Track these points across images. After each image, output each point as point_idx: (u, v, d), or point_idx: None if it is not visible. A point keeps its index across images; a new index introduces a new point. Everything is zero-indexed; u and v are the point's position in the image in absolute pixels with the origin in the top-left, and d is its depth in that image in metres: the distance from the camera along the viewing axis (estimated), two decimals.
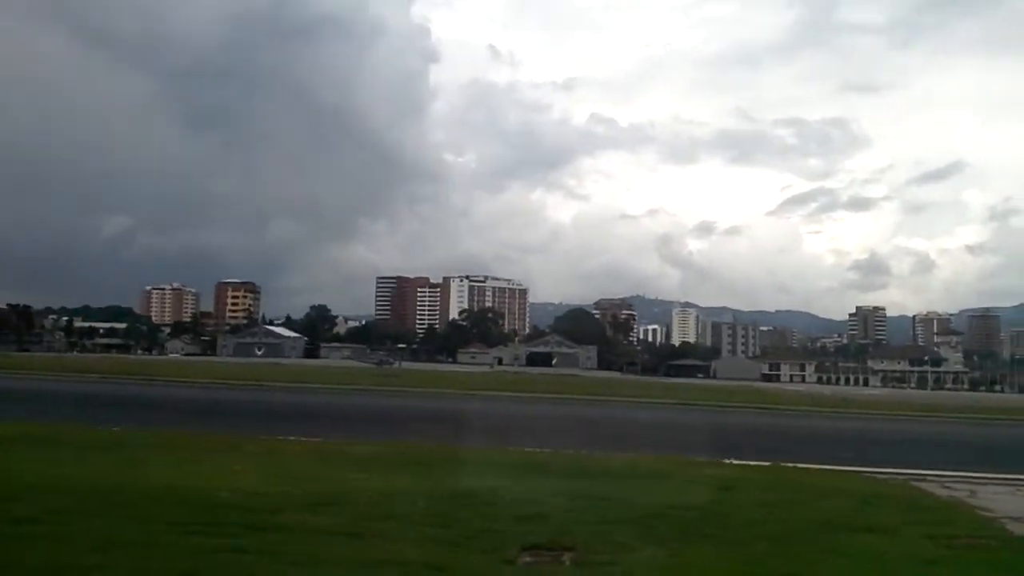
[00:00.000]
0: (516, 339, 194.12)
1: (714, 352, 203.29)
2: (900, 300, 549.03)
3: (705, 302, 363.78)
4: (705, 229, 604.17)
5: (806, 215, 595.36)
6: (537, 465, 15.67)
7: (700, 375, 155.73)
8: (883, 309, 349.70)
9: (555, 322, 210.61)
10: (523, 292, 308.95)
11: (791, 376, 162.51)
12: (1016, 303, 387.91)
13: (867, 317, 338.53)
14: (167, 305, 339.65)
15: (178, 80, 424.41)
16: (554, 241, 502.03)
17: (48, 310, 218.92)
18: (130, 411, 31.88)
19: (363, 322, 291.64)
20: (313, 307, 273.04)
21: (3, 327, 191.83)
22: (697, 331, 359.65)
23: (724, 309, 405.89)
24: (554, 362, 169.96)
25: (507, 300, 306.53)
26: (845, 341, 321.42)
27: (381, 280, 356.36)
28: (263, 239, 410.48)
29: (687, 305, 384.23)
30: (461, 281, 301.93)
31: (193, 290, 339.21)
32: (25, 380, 52.85)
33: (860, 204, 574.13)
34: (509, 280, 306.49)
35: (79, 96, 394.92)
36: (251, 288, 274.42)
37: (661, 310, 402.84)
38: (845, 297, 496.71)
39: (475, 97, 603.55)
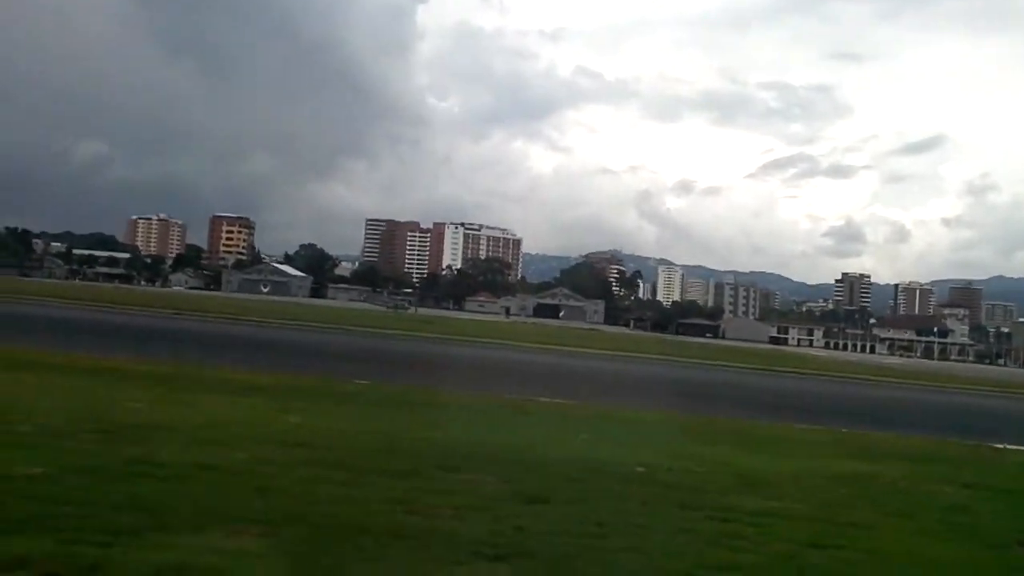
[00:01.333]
0: (522, 289, 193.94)
1: (718, 312, 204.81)
2: (872, 268, 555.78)
3: (680, 260, 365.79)
4: (684, 188, 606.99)
5: (785, 179, 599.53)
6: (870, 448, 15.83)
7: (708, 335, 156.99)
8: (868, 276, 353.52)
9: (561, 275, 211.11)
10: (517, 242, 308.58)
11: (798, 340, 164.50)
12: (988, 276, 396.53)
13: (853, 284, 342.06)
14: (153, 235, 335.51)
15: (156, 3, 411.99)
16: (534, 191, 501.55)
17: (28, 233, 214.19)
18: (295, 357, 31.81)
19: (355, 263, 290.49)
20: (303, 246, 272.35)
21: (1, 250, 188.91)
22: (681, 289, 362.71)
23: (699, 267, 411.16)
24: (561, 314, 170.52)
25: (501, 249, 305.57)
26: (831, 306, 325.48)
27: (371, 222, 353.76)
28: (240, 172, 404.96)
29: (663, 262, 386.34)
30: (456, 228, 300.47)
31: (180, 221, 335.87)
32: (86, 311, 51.88)
33: (840, 171, 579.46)
34: (504, 230, 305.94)
35: (51, 9, 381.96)
36: (246, 223, 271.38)
37: (638, 265, 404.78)
38: (819, 262, 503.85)
39: (461, 41, 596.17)
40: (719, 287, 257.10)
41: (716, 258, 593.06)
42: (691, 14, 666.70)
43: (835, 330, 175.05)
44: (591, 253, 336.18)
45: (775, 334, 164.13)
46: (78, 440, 9.35)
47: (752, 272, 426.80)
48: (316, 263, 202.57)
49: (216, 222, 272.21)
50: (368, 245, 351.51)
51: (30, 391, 13.70)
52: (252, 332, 47.37)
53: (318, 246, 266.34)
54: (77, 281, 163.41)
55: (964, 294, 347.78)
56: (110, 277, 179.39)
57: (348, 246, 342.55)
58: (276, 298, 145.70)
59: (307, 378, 20.91)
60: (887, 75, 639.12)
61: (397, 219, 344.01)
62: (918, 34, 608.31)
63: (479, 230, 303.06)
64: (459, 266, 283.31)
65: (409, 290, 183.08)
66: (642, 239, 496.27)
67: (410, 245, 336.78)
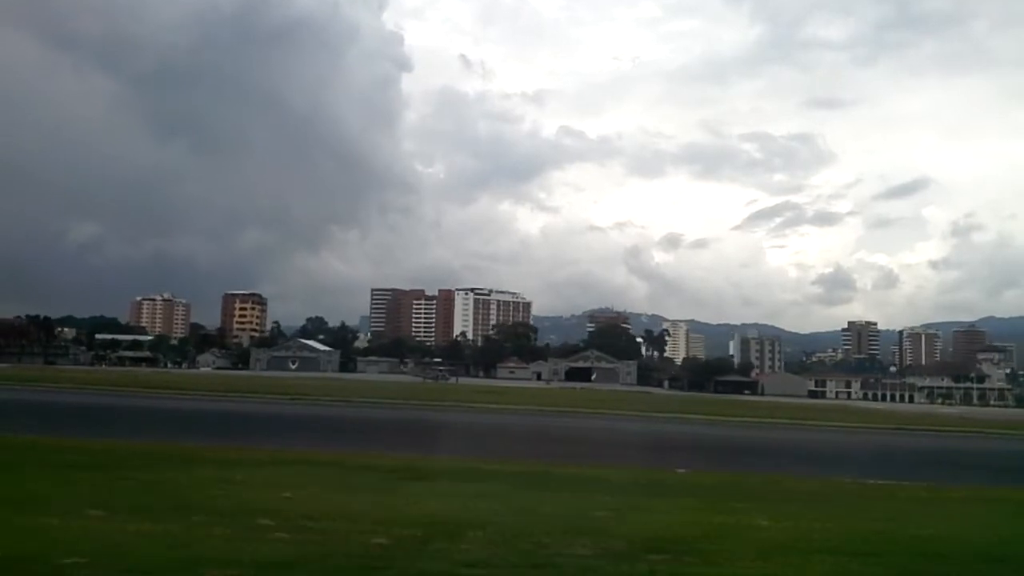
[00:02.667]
0: (548, 353, 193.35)
1: (746, 367, 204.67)
2: (862, 314, 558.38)
3: (672, 314, 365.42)
4: (672, 242, 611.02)
5: (771, 229, 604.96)
6: None
7: (747, 391, 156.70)
8: (875, 324, 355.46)
9: (589, 337, 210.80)
10: (527, 305, 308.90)
11: (836, 393, 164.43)
12: (978, 317, 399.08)
13: (860, 332, 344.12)
14: (158, 315, 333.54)
15: (145, 84, 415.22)
16: (523, 252, 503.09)
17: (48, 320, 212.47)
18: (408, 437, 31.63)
19: (365, 333, 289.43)
20: (310, 319, 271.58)
21: (22, 338, 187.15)
22: (686, 345, 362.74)
23: (692, 321, 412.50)
24: (593, 377, 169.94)
25: (511, 313, 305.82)
26: (840, 356, 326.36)
27: (376, 292, 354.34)
28: (235, 247, 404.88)
29: (656, 318, 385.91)
30: (466, 294, 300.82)
31: (184, 301, 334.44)
32: (179, 400, 51.44)
33: (825, 219, 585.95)
34: (514, 294, 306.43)
35: (43, 99, 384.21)
36: (258, 299, 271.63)
37: (630, 323, 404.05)
38: (810, 310, 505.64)
39: (446, 106, 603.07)
40: (745, 342, 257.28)
41: (708, 311, 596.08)
42: (669, 68, 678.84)
43: (871, 381, 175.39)
44: (594, 312, 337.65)
45: (813, 387, 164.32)
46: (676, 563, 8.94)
47: (743, 324, 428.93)
48: (338, 337, 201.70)
49: (228, 299, 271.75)
50: (375, 315, 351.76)
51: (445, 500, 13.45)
52: (402, 415, 47.05)
53: (324, 319, 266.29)
54: (104, 366, 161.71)
55: (968, 336, 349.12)
56: (136, 361, 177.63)
57: (347, 315, 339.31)
58: (308, 374, 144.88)
59: (641, 470, 20.87)
60: (867, 121, 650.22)
61: (396, 287, 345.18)
62: (896, 79, 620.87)
63: (489, 295, 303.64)
64: (471, 332, 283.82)
65: (439, 360, 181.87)
66: (633, 295, 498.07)
67: (416, 313, 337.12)
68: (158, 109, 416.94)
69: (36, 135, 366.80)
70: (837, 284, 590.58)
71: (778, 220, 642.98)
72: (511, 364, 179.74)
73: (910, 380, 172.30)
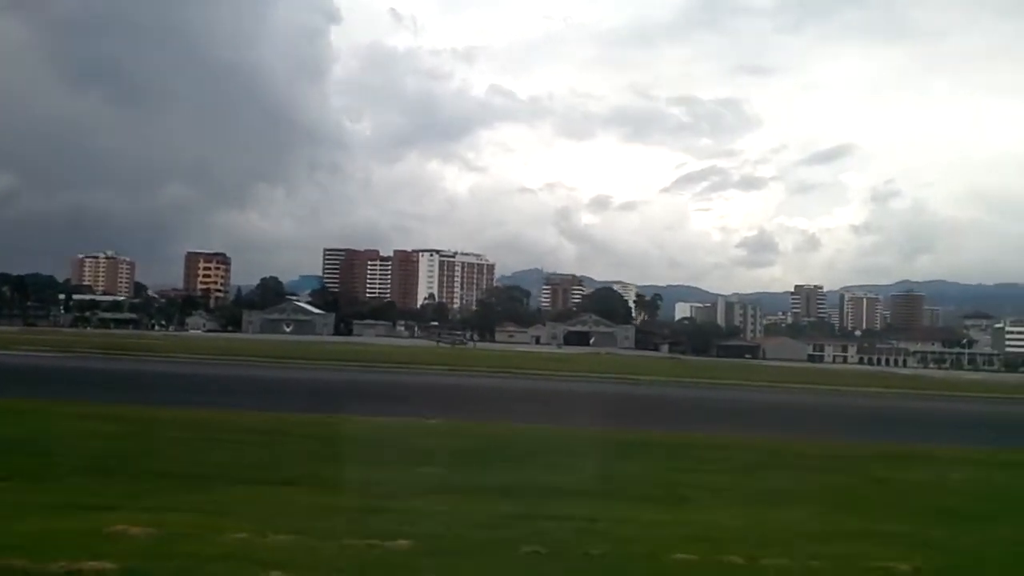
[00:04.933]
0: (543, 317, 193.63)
1: (734, 332, 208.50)
2: (782, 276, 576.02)
3: (599, 276, 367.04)
4: (601, 204, 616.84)
5: (698, 193, 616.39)
6: None
7: (748, 356, 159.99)
8: (821, 287, 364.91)
9: (583, 300, 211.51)
10: (491, 267, 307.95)
11: (834, 357, 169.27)
12: (893, 281, 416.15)
13: (809, 295, 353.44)
14: (101, 273, 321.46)
15: (61, 29, 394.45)
16: (451, 212, 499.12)
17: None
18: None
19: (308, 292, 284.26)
20: (264, 279, 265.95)
21: None
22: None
23: (617, 283, 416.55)
24: (592, 341, 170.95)
25: (475, 275, 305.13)
26: (790, 320, 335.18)
27: (329, 251, 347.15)
28: (156, 202, 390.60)
29: (584, 278, 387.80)
30: (431, 255, 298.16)
31: (128, 259, 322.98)
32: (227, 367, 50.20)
33: (750, 183, 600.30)
34: (478, 255, 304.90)
35: None
36: (222, 259, 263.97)
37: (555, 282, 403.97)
38: (733, 273, 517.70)
39: (375, 61, 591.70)
40: (729, 307, 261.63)
41: (634, 273, 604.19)
42: (599, 31, 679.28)
43: (865, 346, 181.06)
44: (551, 275, 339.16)
45: (811, 352, 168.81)
46: None
47: (668, 286, 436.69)
48: (335, 299, 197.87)
49: (192, 258, 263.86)
50: (328, 274, 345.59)
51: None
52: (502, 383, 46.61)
53: (278, 279, 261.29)
54: (87, 329, 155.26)
55: (908, 301, 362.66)
56: (120, 323, 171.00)
57: (278, 273, 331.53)
58: (304, 338, 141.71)
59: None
60: (792, 87, 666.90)
61: (349, 247, 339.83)
62: (820, 46, 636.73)
63: (454, 257, 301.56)
64: (436, 294, 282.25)
65: (436, 323, 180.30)
66: (563, 256, 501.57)
67: (371, 273, 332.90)
68: (73, 56, 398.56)
69: None
70: (760, 247, 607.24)
71: (704, 184, 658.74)
72: (510, 328, 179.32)
73: (901, 345, 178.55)
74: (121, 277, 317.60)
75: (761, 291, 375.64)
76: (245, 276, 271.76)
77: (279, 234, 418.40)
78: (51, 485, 12.68)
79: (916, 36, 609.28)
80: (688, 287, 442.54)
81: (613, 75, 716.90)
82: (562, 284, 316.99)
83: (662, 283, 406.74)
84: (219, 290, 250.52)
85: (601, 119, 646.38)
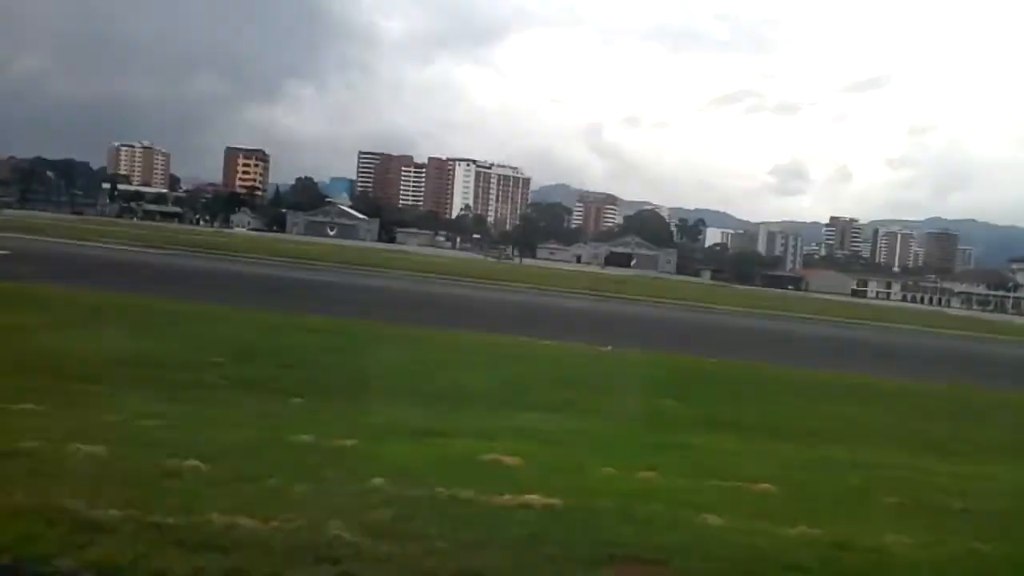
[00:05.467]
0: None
1: (776, 262, 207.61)
2: (811, 207, 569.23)
3: (627, 195, 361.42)
4: (633, 121, 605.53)
5: (733, 115, 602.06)
6: None
7: (790, 287, 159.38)
8: (857, 220, 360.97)
9: (626, 221, 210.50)
10: (527, 181, 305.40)
11: (877, 293, 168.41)
12: (924, 217, 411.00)
13: (844, 228, 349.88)
14: (136, 163, 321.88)
15: None
16: (480, 120, 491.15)
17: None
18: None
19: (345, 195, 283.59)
20: (299, 179, 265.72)
21: (39, 184, 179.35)
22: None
23: (647, 203, 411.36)
24: (633, 263, 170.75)
25: (510, 188, 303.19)
26: (823, 252, 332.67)
27: (364, 155, 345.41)
28: (185, 93, 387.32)
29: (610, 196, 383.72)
30: (467, 166, 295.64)
31: (163, 149, 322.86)
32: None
33: (786, 109, 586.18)
34: (514, 168, 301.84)
35: None
36: (261, 156, 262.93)
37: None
38: (762, 199, 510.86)
39: None
40: (771, 236, 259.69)
41: (662, 194, 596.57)
42: None
43: (909, 284, 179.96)
44: (584, 193, 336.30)
45: (855, 287, 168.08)
46: None
47: (697, 208, 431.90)
48: (376, 204, 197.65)
49: (231, 154, 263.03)
50: (362, 177, 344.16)
51: None
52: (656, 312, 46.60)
53: (312, 178, 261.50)
54: (135, 220, 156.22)
55: (942, 239, 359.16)
56: (166, 216, 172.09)
57: (314, 174, 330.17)
58: (349, 243, 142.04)
59: None
60: (835, 12, 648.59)
61: (384, 151, 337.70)
62: None
63: (490, 168, 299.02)
64: (472, 205, 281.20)
65: (478, 236, 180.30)
66: (591, 173, 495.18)
67: (404, 180, 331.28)
68: None
69: None
70: (792, 175, 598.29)
71: (739, 106, 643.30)
72: (551, 246, 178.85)
73: (946, 285, 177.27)
74: (156, 168, 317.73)
75: (789, 220, 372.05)
76: (276, 174, 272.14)
77: (308, 132, 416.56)
78: (351, 405, 12.66)
79: None
80: (717, 212, 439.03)
81: None
82: (595, 202, 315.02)
83: (691, 206, 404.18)
84: (257, 188, 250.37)
85: (639, 32, 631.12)
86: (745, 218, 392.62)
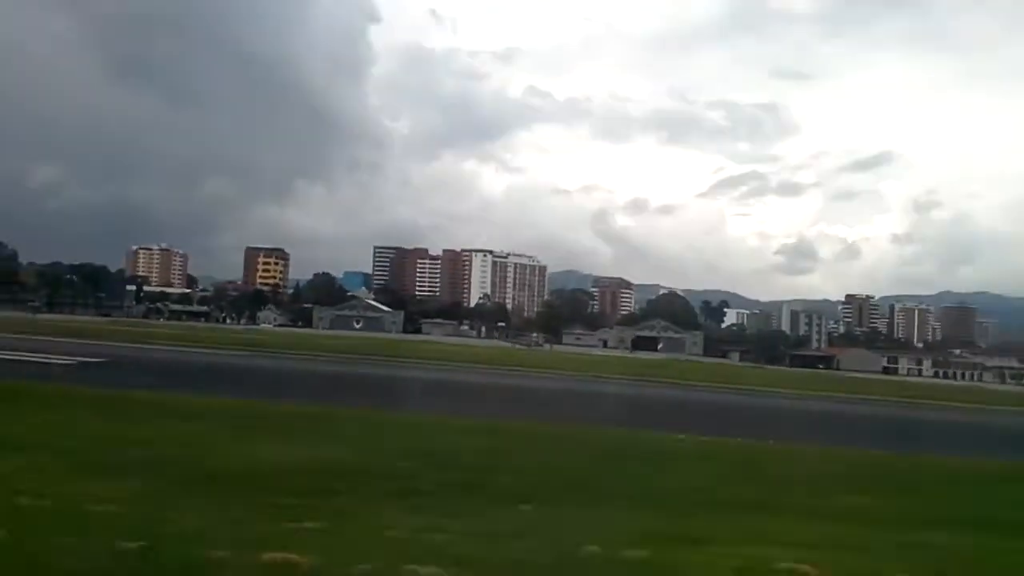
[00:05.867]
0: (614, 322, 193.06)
1: (803, 341, 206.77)
2: (820, 285, 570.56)
3: (636, 279, 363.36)
4: (637, 207, 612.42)
5: (736, 198, 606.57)
6: None
7: (821, 366, 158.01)
8: (873, 297, 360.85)
9: (648, 305, 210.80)
10: (543, 269, 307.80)
11: (908, 370, 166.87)
12: (935, 292, 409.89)
13: (861, 305, 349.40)
14: (154, 265, 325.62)
15: (105, 25, 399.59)
16: (486, 212, 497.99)
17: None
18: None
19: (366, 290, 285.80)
20: (317, 274, 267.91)
21: (66, 288, 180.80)
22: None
23: (655, 286, 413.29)
24: (660, 347, 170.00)
25: (527, 276, 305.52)
26: (842, 329, 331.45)
27: (379, 249, 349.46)
28: (197, 196, 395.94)
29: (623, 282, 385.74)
30: (484, 256, 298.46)
31: (180, 251, 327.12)
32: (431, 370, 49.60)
33: (789, 189, 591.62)
34: (530, 257, 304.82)
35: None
36: (281, 255, 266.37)
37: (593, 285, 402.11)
38: (771, 279, 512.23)
39: (413, 61, 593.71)
40: (794, 315, 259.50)
41: (671, 277, 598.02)
42: (638, 34, 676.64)
43: (940, 359, 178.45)
44: (598, 278, 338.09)
45: (885, 364, 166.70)
46: None
47: (705, 290, 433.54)
48: (396, 297, 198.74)
49: (251, 253, 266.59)
50: (378, 272, 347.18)
51: None
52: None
53: (331, 273, 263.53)
54: (161, 321, 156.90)
55: (959, 312, 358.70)
56: (193, 315, 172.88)
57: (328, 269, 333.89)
58: (379, 335, 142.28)
59: None
60: (832, 93, 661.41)
61: (398, 245, 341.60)
62: (861, 53, 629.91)
63: (506, 258, 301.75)
64: (487, 293, 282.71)
65: (503, 324, 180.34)
66: (597, 259, 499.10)
67: (420, 271, 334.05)
68: (119, 52, 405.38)
69: None
70: (799, 254, 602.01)
71: (743, 189, 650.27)
72: (576, 331, 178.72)
73: (975, 359, 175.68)
74: (174, 269, 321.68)
75: (799, 298, 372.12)
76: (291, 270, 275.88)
77: (319, 230, 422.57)
78: (582, 510, 12.30)
79: (958, 46, 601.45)
80: (726, 292, 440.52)
81: (652, 78, 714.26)
82: (610, 287, 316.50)
83: (699, 287, 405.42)
84: (279, 285, 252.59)
85: (639, 122, 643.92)
86: (755, 297, 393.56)
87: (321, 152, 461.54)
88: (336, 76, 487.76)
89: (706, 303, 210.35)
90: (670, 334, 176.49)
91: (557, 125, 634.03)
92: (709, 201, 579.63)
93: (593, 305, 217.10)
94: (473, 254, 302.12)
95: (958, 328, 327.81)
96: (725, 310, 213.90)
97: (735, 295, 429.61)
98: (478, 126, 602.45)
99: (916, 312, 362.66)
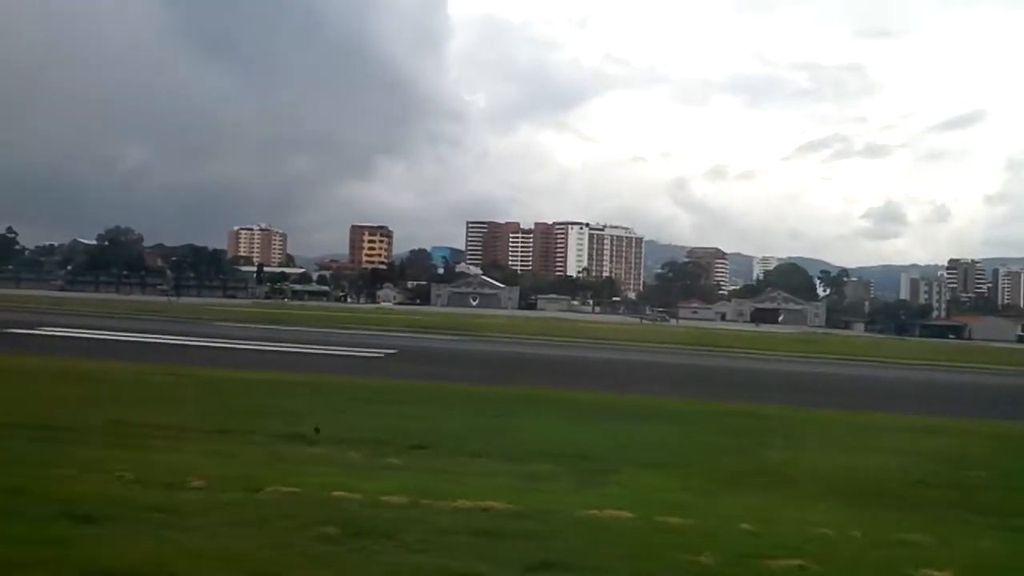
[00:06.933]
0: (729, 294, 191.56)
1: (926, 310, 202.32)
2: (908, 249, 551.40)
3: (722, 246, 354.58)
4: (718, 173, 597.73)
5: (820, 161, 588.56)
6: None
7: (951, 336, 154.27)
8: (979, 262, 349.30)
9: (765, 276, 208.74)
10: (639, 240, 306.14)
11: None
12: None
13: (967, 270, 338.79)
14: (255, 245, 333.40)
15: (186, 4, 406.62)
16: (563, 183, 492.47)
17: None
18: None
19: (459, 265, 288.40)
20: (413, 251, 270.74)
21: (191, 271, 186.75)
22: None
23: (737, 255, 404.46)
24: (780, 319, 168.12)
25: (624, 248, 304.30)
26: (948, 296, 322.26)
27: (472, 224, 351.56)
28: (280, 174, 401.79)
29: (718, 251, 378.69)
30: (581, 229, 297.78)
31: (280, 231, 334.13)
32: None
33: (875, 151, 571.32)
34: (627, 228, 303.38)
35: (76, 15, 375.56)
36: (385, 232, 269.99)
37: (674, 255, 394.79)
38: (857, 245, 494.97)
39: (490, 33, 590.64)
40: (914, 283, 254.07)
41: (752, 244, 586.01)
42: None
43: None
44: (693, 249, 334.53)
45: (1020, 332, 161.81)
46: None
47: (788, 257, 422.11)
48: (508, 274, 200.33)
49: (356, 231, 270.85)
50: (471, 247, 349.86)
51: None
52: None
53: (458, 249, 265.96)
54: (287, 301, 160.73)
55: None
56: (314, 295, 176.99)
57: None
58: (492, 311, 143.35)
59: None
60: (919, 51, 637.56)
61: (491, 220, 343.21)
62: (948, 8, 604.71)
63: (603, 230, 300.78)
64: (586, 267, 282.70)
65: (617, 298, 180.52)
66: (677, 227, 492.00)
67: (512, 246, 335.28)
68: (202, 29, 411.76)
69: (75, 60, 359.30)
70: (886, 218, 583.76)
71: (827, 152, 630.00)
72: (694, 304, 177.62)
73: None
74: (274, 248, 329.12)
75: (886, 264, 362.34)
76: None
77: (402, 205, 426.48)
78: None
79: None
80: (810, 259, 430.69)
81: (731, 40, 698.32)
82: (704, 257, 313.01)
83: (783, 254, 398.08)
84: (383, 262, 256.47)
85: (718, 86, 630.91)
86: (839, 263, 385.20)
87: (401, 127, 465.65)
88: (415, 51, 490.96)
89: (825, 272, 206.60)
90: (791, 306, 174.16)
91: (634, 91, 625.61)
92: (792, 165, 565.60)
93: (707, 278, 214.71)
94: (569, 227, 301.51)
95: None
96: (844, 280, 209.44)
97: (820, 261, 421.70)
98: (555, 96, 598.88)
99: (1022, 275, 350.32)
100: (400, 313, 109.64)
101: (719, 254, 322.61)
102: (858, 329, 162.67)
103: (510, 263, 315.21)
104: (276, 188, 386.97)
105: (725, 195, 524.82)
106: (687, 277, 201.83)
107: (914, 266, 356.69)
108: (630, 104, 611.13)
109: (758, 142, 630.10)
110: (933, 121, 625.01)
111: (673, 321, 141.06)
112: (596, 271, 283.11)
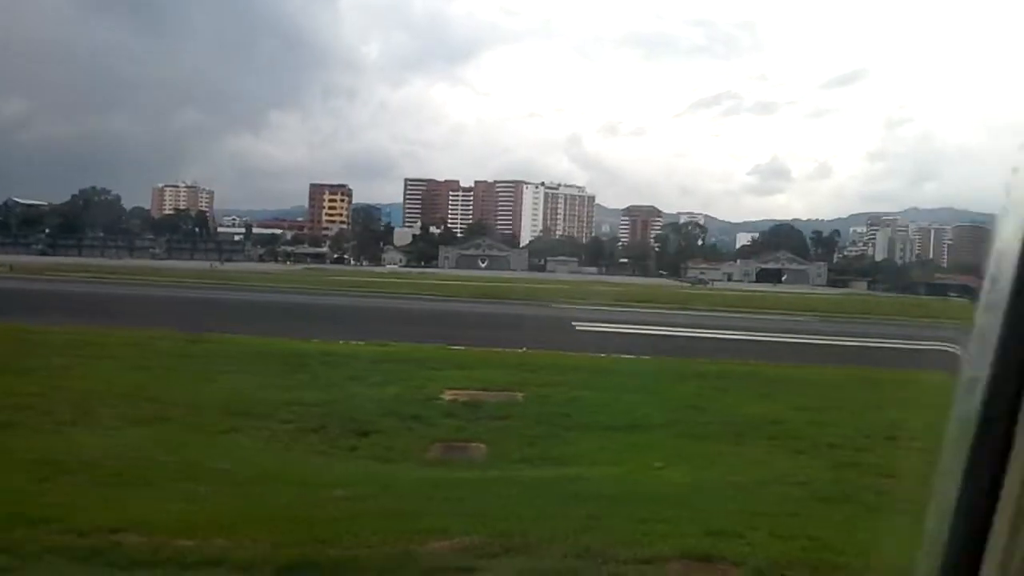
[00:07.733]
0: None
1: (922, 265, 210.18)
2: (786, 204, 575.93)
3: (611, 203, 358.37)
4: (612, 130, 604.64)
5: (711, 118, 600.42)
6: None
7: (953, 294, 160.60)
8: (897, 216, 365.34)
9: (760, 236, 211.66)
10: (591, 199, 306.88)
11: None
12: (901, 208, 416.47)
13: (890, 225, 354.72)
14: (181, 202, 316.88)
15: None
16: (457, 138, 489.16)
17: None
18: None
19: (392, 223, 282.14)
20: (356, 208, 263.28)
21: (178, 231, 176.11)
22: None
23: (632, 208, 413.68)
24: (784, 279, 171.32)
25: (577, 207, 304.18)
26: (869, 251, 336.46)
27: (411, 182, 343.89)
28: (168, 128, 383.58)
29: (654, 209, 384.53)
30: (536, 188, 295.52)
31: (207, 188, 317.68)
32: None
33: (764, 108, 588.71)
34: (579, 188, 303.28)
35: None
36: (346, 191, 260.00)
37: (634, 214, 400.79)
38: (743, 200, 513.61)
39: None
40: (891, 242, 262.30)
41: (644, 199, 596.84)
42: None
43: None
44: (631, 207, 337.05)
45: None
46: None
47: (679, 213, 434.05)
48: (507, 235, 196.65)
49: (316, 190, 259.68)
50: (409, 205, 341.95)
51: None
52: None
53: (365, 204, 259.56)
54: (286, 265, 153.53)
55: (971, 232, 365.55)
56: (316, 258, 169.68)
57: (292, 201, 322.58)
58: (502, 273, 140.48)
59: None
60: (810, 8, 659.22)
61: (430, 177, 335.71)
62: None
63: (557, 188, 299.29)
64: (540, 225, 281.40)
65: (626, 260, 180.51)
66: (573, 183, 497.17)
67: (452, 204, 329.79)
68: None
69: None
70: (772, 174, 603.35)
71: (718, 109, 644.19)
72: (701, 265, 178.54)
73: None
74: (201, 206, 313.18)
75: (768, 219, 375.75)
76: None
77: (295, 160, 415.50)
78: None
79: None
80: (699, 215, 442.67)
81: None
82: (640, 215, 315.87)
83: (672, 210, 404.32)
84: (343, 221, 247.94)
85: (613, 41, 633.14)
86: (725, 219, 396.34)
87: (295, 80, 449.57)
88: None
89: (817, 233, 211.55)
90: (794, 266, 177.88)
91: (529, 44, 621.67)
92: (683, 122, 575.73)
93: (705, 238, 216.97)
94: (523, 185, 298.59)
95: (972, 248, 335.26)
96: (836, 239, 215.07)
97: (708, 216, 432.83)
98: (448, 48, 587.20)
99: (932, 232, 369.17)
100: (459, 278, 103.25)
101: (655, 212, 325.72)
102: (859, 287, 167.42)
103: (450, 220, 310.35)
104: (167, 142, 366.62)
105: (618, 151, 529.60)
106: (688, 238, 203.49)
107: (796, 220, 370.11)
108: (526, 59, 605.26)
109: (651, 99, 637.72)
110: (820, 80, 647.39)
111: (710, 284, 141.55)
112: (550, 229, 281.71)
